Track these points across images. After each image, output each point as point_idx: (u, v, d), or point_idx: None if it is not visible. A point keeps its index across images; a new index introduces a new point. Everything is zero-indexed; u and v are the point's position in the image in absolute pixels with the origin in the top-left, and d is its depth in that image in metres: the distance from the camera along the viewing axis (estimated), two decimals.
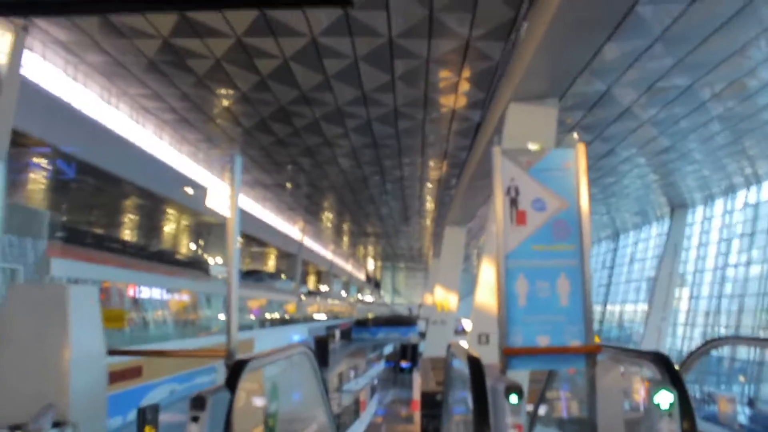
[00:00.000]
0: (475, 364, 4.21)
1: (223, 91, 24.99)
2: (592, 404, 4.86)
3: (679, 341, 42.34)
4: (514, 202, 4.83)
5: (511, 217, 4.76)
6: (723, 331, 36.46)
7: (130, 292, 19.88)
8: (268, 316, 42.81)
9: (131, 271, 19.38)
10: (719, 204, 39.58)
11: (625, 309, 54.18)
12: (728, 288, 36.76)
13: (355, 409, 25.99)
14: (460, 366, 5.29)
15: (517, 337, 4.32)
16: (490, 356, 4.86)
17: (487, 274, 15.29)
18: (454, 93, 23.37)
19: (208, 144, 33.32)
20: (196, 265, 29.71)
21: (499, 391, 3.96)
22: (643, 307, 50.26)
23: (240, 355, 4.68)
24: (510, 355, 4.55)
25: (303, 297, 58.00)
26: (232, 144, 32.71)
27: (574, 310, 4.57)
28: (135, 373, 17.42)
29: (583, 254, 4.62)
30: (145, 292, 21.30)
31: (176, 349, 23.07)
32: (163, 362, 20.81)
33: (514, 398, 3.87)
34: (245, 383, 4.48)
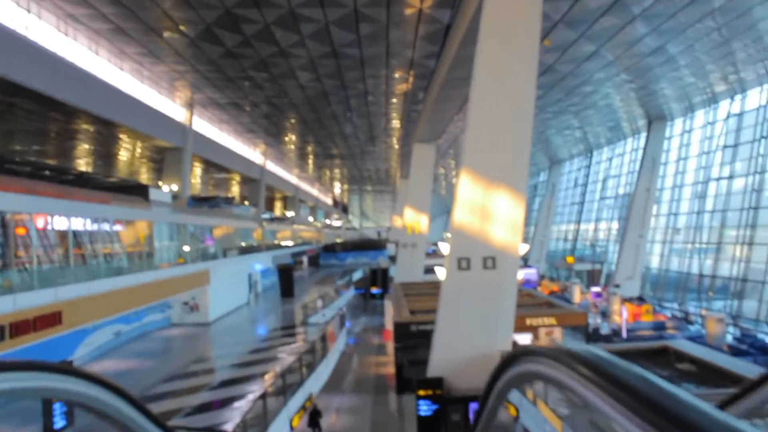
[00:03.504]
0: None
1: None
2: None
3: (655, 259, 41.28)
4: None
5: None
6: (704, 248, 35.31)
7: (39, 222, 17.30)
8: (226, 244, 40.54)
9: (43, 198, 16.74)
10: (700, 115, 37.80)
11: (599, 228, 53.00)
12: (709, 203, 35.32)
13: (323, 346, 24.11)
14: None
15: None
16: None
17: (468, 190, 13.09)
18: None
19: (152, 59, 30.18)
20: (132, 190, 26.96)
21: None
22: (616, 225, 49.19)
23: None
24: None
25: (265, 223, 55.70)
26: (178, 58, 29.76)
27: None
28: (51, 320, 15.02)
29: None
30: (62, 223, 18.70)
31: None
32: (93, 303, 18.42)
33: None
34: None
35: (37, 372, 2.14)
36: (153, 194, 28.20)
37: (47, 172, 21.47)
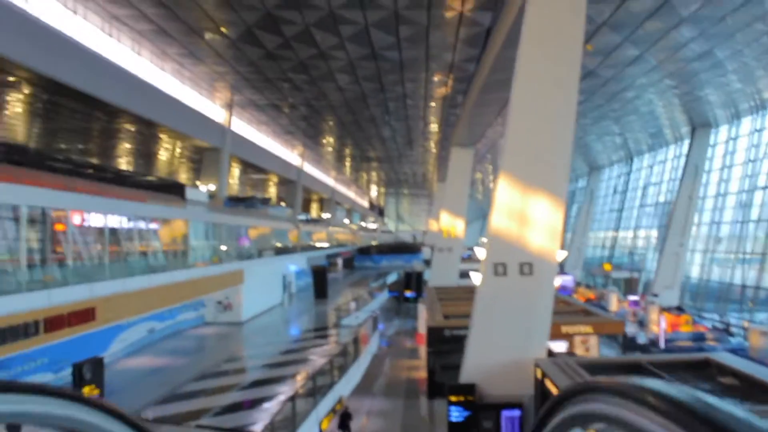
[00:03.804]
0: None
1: None
2: None
3: (696, 269, 40.33)
4: None
5: None
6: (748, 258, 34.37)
7: (76, 219, 17.52)
8: (262, 245, 40.73)
9: (80, 195, 16.95)
10: (746, 122, 36.83)
11: (637, 235, 52.05)
12: (755, 212, 34.38)
13: (355, 348, 23.97)
14: None
15: None
16: None
17: (506, 194, 12.86)
18: None
19: (193, 60, 30.49)
20: (168, 189, 27.22)
21: None
22: (656, 233, 48.23)
23: None
24: None
25: (301, 225, 55.88)
26: (218, 59, 30.01)
27: None
28: (85, 316, 15.16)
29: None
30: (99, 220, 18.93)
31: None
32: (127, 300, 18.57)
33: None
34: None
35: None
36: (189, 193, 28.47)
37: (86, 170, 21.77)
